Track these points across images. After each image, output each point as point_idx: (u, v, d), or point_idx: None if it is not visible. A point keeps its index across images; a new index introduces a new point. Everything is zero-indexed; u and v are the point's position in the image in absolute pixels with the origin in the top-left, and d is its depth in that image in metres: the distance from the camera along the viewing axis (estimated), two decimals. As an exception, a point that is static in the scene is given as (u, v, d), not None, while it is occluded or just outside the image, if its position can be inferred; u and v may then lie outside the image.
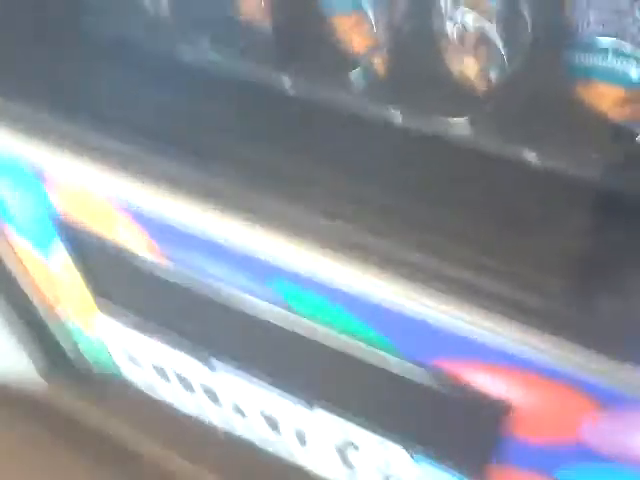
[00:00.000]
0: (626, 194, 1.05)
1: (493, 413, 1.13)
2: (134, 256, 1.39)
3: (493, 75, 1.13)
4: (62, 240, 1.52)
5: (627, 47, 1.00)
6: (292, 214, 1.15)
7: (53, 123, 1.29)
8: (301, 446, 1.70)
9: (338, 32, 1.25)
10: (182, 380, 1.78)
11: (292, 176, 1.19)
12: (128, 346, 1.78)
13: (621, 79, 1.03)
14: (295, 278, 1.17)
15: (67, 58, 1.40)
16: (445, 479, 1.42)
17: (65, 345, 2.02)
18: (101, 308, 1.68)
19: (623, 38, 1.00)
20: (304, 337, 1.28)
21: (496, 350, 1.02)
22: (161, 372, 1.81)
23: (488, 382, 1.11)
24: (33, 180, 1.40)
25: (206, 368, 1.64)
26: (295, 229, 1.14)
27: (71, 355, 2.05)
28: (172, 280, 1.38)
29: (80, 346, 1.99)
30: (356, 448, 1.56)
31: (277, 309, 1.26)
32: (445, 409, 1.24)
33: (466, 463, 1.35)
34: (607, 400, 1.00)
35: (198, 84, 1.33)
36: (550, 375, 1.02)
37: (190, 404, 1.87)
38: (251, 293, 1.28)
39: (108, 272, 1.57)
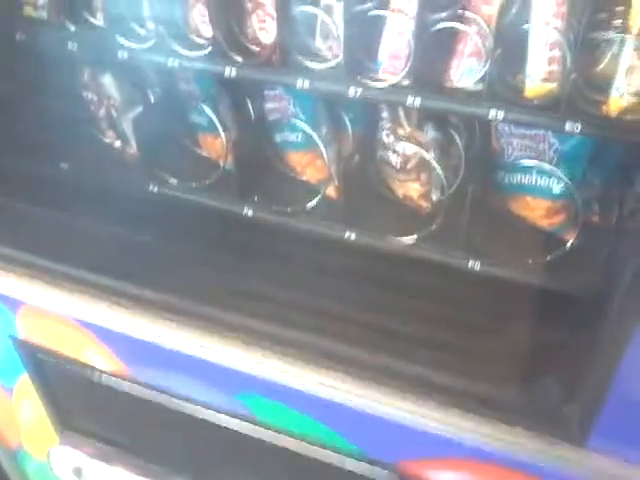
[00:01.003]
0: (560, 293, 1.17)
1: None
2: (101, 378, 1.42)
3: (435, 196, 1.27)
4: (28, 371, 1.54)
5: (545, 166, 1.16)
6: (255, 326, 1.23)
7: (27, 258, 1.38)
8: None
9: (294, 167, 1.41)
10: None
11: (253, 292, 1.29)
12: (87, 475, 1.75)
13: (544, 193, 1.19)
14: (264, 389, 1.22)
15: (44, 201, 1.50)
16: None
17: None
18: (62, 439, 1.67)
19: (542, 158, 1.16)
20: (274, 448, 1.31)
21: (453, 444, 1.09)
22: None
23: (449, 477, 1.16)
24: (4, 312, 1.45)
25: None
26: (257, 341, 1.22)
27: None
28: (142, 401, 1.41)
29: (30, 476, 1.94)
30: None
31: (246, 421, 1.30)
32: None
33: None
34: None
35: (165, 217, 1.44)
36: (507, 463, 1.08)
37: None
38: (221, 408, 1.32)
39: (74, 401, 1.59)
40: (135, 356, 1.36)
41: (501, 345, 1.14)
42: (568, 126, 1.00)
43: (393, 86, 1.08)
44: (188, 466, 1.54)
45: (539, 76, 1.02)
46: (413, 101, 1.07)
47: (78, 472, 1.74)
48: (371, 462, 1.19)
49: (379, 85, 1.09)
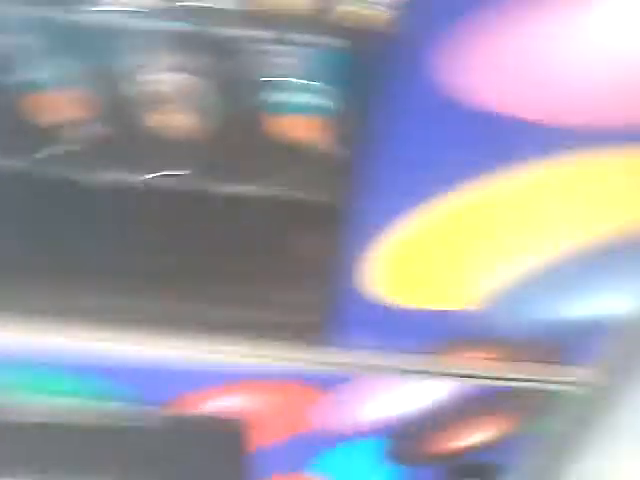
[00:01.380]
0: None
1: (233, 431, 1.16)
2: None
3: (198, 125, 1.23)
4: None
5: (299, 82, 1.17)
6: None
7: None
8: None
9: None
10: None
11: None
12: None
13: (303, 109, 1.20)
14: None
15: None
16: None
17: None
18: None
19: (297, 75, 1.17)
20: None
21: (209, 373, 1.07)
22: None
23: (218, 405, 1.15)
24: None
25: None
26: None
27: None
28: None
29: None
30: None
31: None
32: (189, 442, 1.25)
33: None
34: (321, 384, 1.08)
35: None
36: (271, 378, 1.09)
37: None
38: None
39: None
40: None
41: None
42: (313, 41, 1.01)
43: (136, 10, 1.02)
44: None
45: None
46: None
47: None
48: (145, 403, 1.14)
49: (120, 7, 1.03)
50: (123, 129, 1.25)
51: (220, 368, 1.03)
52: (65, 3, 1.01)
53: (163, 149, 1.28)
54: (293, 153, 1.23)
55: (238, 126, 1.18)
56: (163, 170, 1.23)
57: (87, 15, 1.03)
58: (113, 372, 1.09)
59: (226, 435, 1.13)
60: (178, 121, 1.27)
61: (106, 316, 1.05)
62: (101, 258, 1.12)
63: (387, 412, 1.10)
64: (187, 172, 1.23)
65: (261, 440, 1.17)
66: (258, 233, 1.15)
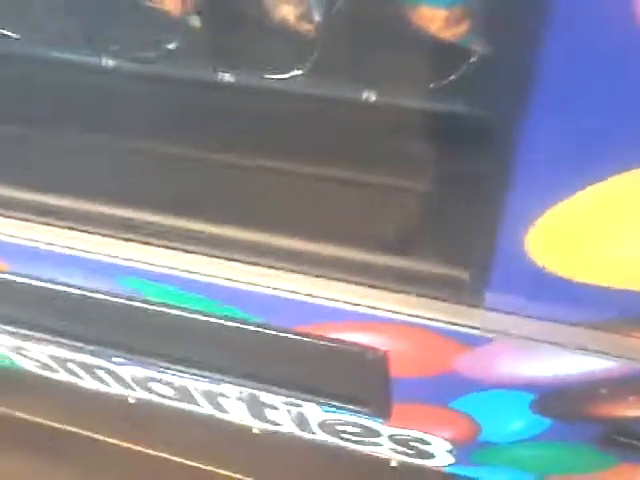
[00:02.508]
0: (463, 118, 1.02)
1: (374, 361, 1.12)
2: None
3: (317, 16, 1.06)
4: None
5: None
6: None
7: None
8: (216, 409, 1.68)
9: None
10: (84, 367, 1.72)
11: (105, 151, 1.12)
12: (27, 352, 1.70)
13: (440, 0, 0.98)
14: (141, 273, 1.10)
15: None
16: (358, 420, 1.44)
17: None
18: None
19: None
20: (186, 326, 1.22)
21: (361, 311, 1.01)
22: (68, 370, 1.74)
23: (363, 337, 1.10)
24: None
25: (109, 363, 1.58)
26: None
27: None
28: (28, 290, 1.29)
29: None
30: (272, 408, 1.54)
31: (134, 301, 1.19)
32: (334, 367, 1.23)
33: (367, 407, 1.35)
34: (466, 341, 1.00)
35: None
36: (413, 324, 1.02)
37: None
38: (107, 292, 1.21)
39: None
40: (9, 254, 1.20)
41: (389, 198, 1.01)
42: None
43: None
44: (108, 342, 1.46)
45: None
46: None
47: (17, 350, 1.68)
48: (274, 329, 1.11)
49: None
50: (227, 20, 1.10)
51: (365, 310, 0.96)
52: None
53: (282, 44, 1.12)
54: (426, 53, 1.03)
55: (358, 19, 0.99)
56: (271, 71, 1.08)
57: None
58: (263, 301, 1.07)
59: (367, 359, 1.09)
60: (288, 11, 1.09)
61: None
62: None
63: (535, 374, 0.99)
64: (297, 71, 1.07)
65: (402, 372, 1.12)
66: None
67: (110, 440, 2.04)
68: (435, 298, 0.91)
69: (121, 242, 1.05)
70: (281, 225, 1.00)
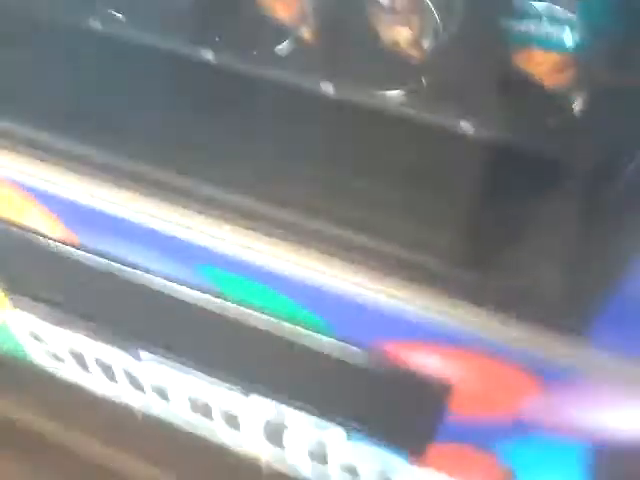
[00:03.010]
0: (562, 162, 1.04)
1: (432, 392, 1.11)
2: (48, 245, 1.29)
3: (427, 44, 1.08)
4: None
5: (560, 12, 0.98)
6: (219, 195, 1.09)
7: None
8: (231, 429, 1.65)
9: (263, 3, 1.19)
10: (103, 369, 1.69)
11: (217, 154, 1.14)
12: (43, 337, 1.67)
13: (555, 44, 1.01)
14: (225, 262, 1.10)
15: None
16: (382, 457, 1.41)
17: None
18: (13, 303, 1.56)
19: (556, 2, 0.98)
20: (237, 322, 1.22)
21: (433, 329, 1.00)
22: (80, 361, 1.71)
23: (426, 361, 1.09)
24: None
25: (131, 358, 1.56)
26: (222, 210, 1.08)
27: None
28: (92, 268, 1.29)
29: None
30: (290, 429, 1.52)
31: (208, 295, 1.19)
32: (384, 389, 1.22)
33: (405, 441, 1.33)
34: (546, 374, 0.99)
35: (114, 59, 1.24)
36: (488, 352, 1.01)
37: (109, 389, 1.78)
38: (178, 279, 1.20)
39: (21, 264, 1.46)
40: (83, 224, 1.21)
41: (491, 220, 1.02)
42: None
43: None
44: (144, 335, 1.45)
45: None
46: None
47: (35, 335, 1.67)
48: (344, 340, 1.11)
49: None
50: (337, 34, 1.13)
51: (440, 327, 0.96)
52: None
53: (383, 63, 1.15)
54: (532, 93, 1.06)
55: (468, 50, 1.01)
56: (374, 88, 1.10)
57: None
58: (329, 305, 1.06)
59: (424, 389, 1.08)
60: (401, 35, 1.12)
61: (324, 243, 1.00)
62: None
63: (613, 424, 0.97)
64: (400, 93, 1.09)
65: (461, 407, 1.11)
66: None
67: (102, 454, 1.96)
68: (534, 324, 0.91)
69: (211, 220, 1.05)
70: (382, 233, 1.00)
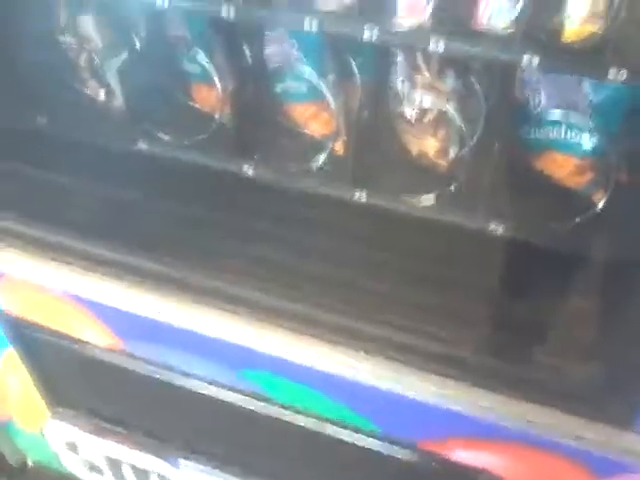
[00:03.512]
0: (589, 259, 1.09)
1: None
2: (95, 353, 1.32)
3: (453, 152, 1.16)
4: (13, 345, 1.44)
5: (578, 119, 1.06)
6: (264, 300, 1.14)
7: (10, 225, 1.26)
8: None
9: (297, 120, 1.29)
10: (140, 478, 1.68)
11: (259, 260, 1.19)
12: (80, 447, 1.67)
13: (574, 149, 1.09)
14: (272, 366, 1.13)
15: (20, 158, 1.38)
16: None
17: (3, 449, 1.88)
18: (54, 414, 1.58)
19: (574, 110, 1.06)
20: (281, 425, 1.23)
21: (485, 425, 1.01)
22: (117, 471, 1.70)
23: (477, 457, 1.09)
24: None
25: (169, 465, 1.55)
26: (267, 315, 1.13)
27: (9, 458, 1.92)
28: (136, 375, 1.31)
29: (21, 447, 1.87)
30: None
31: (251, 397, 1.21)
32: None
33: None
34: (595, 465, 0.99)
35: (156, 175, 1.32)
36: (536, 445, 1.01)
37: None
38: (225, 384, 1.23)
39: (65, 376, 1.49)
40: (131, 331, 1.26)
41: (530, 319, 1.06)
42: (611, 74, 0.89)
43: (414, 28, 0.96)
44: (190, 442, 1.45)
45: (580, 16, 0.91)
46: (437, 45, 0.95)
47: (73, 447, 1.66)
48: (390, 441, 1.11)
49: (399, 27, 0.97)
50: (368, 147, 1.21)
51: (490, 421, 0.97)
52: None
53: (408, 172, 1.23)
54: (555, 194, 1.12)
55: (491, 157, 1.08)
56: (405, 195, 1.17)
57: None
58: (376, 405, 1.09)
59: None
60: (429, 146, 1.20)
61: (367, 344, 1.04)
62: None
63: None
64: (430, 200, 1.16)
65: None
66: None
67: None
68: (583, 416, 0.92)
69: (258, 326, 1.09)
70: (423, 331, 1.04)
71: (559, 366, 0.98)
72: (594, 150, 1.07)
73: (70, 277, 1.23)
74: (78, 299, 1.23)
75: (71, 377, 1.50)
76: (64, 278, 1.23)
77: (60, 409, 1.55)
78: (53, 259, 1.24)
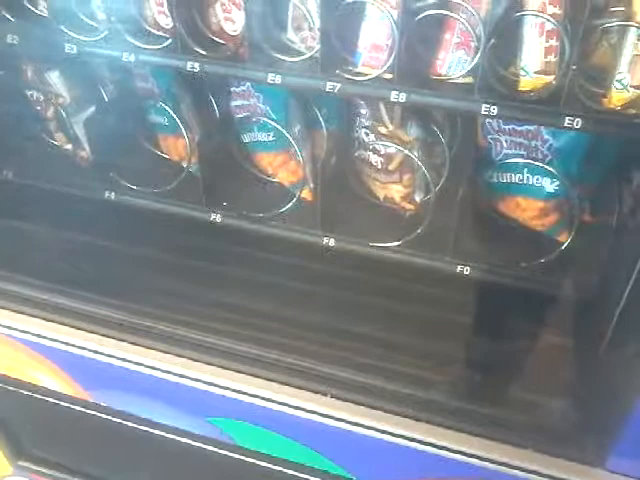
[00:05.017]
0: (557, 297, 1.11)
1: None
2: (59, 403, 1.30)
3: (418, 197, 1.18)
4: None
5: (539, 163, 1.08)
6: (230, 346, 1.14)
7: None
8: None
9: (265, 169, 1.30)
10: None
11: (226, 307, 1.19)
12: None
13: (537, 192, 1.11)
14: (240, 412, 1.12)
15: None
16: None
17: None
18: (16, 470, 1.55)
19: (535, 155, 1.08)
20: (256, 473, 1.21)
21: (452, 464, 1.01)
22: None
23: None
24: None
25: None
26: (235, 361, 1.13)
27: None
28: (103, 426, 1.29)
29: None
30: None
31: (224, 446, 1.20)
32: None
33: None
34: None
35: (123, 222, 1.32)
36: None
37: None
38: (192, 432, 1.21)
39: (27, 427, 1.46)
40: (93, 379, 1.24)
41: (502, 360, 1.07)
42: (567, 121, 0.92)
43: (375, 80, 0.98)
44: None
45: (535, 68, 0.94)
46: (398, 96, 0.98)
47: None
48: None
49: (360, 79, 0.99)
50: (335, 194, 1.22)
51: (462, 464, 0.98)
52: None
53: (376, 218, 1.24)
54: (519, 235, 1.14)
55: (456, 203, 1.10)
56: (372, 240, 1.18)
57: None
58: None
59: None
60: (395, 192, 1.22)
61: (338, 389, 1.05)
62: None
63: None
64: (398, 244, 1.17)
65: None
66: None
67: None
68: (554, 455, 0.93)
69: (229, 372, 1.10)
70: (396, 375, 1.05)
71: (532, 404, 0.99)
72: (556, 193, 1.10)
73: (30, 326, 1.22)
74: (39, 348, 1.22)
75: (33, 429, 1.47)
76: (24, 327, 1.22)
77: (22, 464, 1.52)
78: (13, 309, 1.23)
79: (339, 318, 1.16)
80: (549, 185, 1.10)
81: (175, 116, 1.22)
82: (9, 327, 1.22)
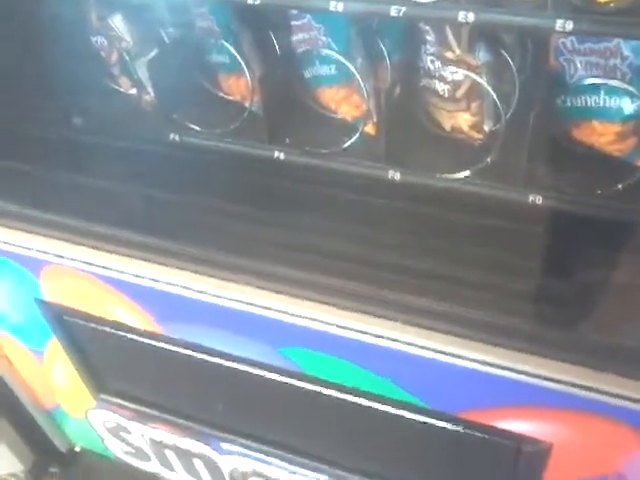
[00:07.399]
0: (629, 226, 1.06)
1: (532, 456, 1.09)
2: (136, 338, 1.35)
3: (487, 126, 1.14)
4: (56, 334, 1.47)
5: (617, 84, 1.02)
6: (303, 277, 1.14)
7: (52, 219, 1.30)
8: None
9: (328, 104, 1.28)
10: (184, 462, 1.70)
11: (291, 241, 1.19)
12: (124, 434, 1.70)
13: (615, 115, 1.06)
14: (312, 341, 1.13)
15: (56, 157, 1.40)
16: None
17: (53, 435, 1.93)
18: (99, 403, 1.62)
19: (613, 74, 1.02)
20: (328, 404, 1.23)
21: (532, 390, 1.00)
22: (161, 456, 1.73)
23: (524, 425, 1.08)
24: (27, 276, 1.38)
25: (212, 449, 1.57)
26: (307, 292, 1.13)
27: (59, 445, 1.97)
28: (178, 360, 1.33)
29: (69, 433, 1.92)
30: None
31: (296, 377, 1.22)
32: (483, 456, 1.19)
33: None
34: None
35: (191, 166, 1.34)
36: (585, 409, 1.00)
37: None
38: (265, 363, 1.24)
39: (107, 362, 1.52)
40: (168, 312, 1.27)
41: (575, 288, 1.03)
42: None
43: (442, 0, 0.94)
44: (232, 424, 1.47)
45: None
46: (466, 16, 0.93)
47: (116, 433, 1.70)
48: (431, 414, 1.10)
49: (426, 0, 0.95)
50: (400, 126, 1.19)
51: (535, 387, 0.96)
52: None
53: (443, 148, 1.21)
54: (592, 164, 1.09)
55: (527, 130, 1.06)
56: (440, 171, 1.15)
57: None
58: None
59: (524, 453, 1.05)
60: (463, 120, 1.18)
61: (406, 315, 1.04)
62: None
63: None
64: (467, 175, 1.14)
65: (557, 471, 1.08)
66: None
67: None
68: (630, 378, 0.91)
69: (299, 300, 1.11)
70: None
71: (608, 330, 0.96)
72: (637, 113, 1.04)
73: (110, 263, 1.25)
74: (113, 282, 1.25)
75: (112, 364, 1.53)
76: (104, 265, 1.26)
77: (103, 395, 1.58)
78: (94, 247, 1.27)
79: (410, 253, 1.14)
80: (629, 105, 1.04)
81: (235, 54, 1.21)
82: (90, 265, 1.27)
